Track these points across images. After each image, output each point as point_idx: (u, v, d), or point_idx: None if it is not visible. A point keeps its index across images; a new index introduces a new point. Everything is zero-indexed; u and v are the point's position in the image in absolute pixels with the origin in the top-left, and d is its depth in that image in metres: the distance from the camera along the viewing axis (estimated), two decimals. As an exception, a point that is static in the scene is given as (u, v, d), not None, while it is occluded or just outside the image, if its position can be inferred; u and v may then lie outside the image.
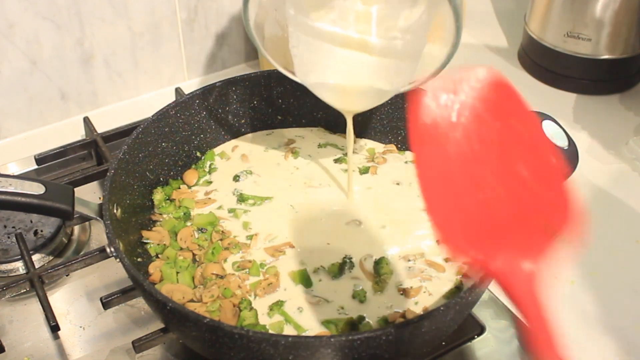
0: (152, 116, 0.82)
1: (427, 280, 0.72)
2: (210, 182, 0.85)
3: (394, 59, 0.71)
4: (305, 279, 0.73)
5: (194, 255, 0.76)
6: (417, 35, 0.69)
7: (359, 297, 0.71)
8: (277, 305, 0.70)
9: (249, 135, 0.92)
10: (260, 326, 0.68)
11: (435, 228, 0.50)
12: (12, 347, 0.74)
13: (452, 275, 0.73)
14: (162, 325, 0.71)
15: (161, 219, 0.80)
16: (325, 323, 0.68)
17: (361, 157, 0.88)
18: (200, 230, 0.79)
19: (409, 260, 0.74)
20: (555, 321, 0.48)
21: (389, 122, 0.90)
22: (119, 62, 1.04)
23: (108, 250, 0.68)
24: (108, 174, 0.74)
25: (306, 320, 0.69)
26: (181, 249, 0.77)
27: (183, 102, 0.85)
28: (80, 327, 0.77)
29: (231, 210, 0.81)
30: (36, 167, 0.95)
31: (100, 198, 0.89)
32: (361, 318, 0.69)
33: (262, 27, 0.73)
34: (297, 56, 0.71)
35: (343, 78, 0.73)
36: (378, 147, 0.90)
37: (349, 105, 0.77)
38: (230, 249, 0.76)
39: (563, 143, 0.77)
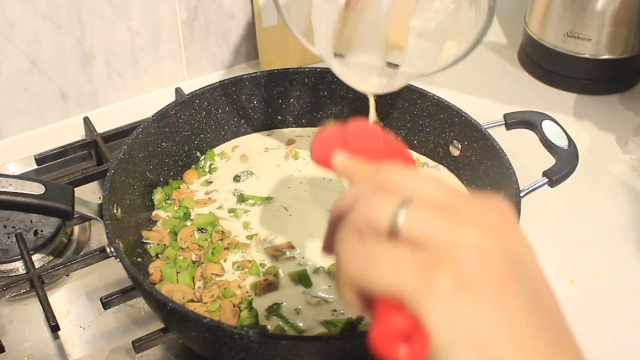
0: (152, 116, 0.82)
1: (427, 280, 0.72)
2: (210, 182, 0.85)
3: (422, 40, 0.70)
4: (305, 279, 0.73)
5: (194, 255, 0.76)
6: (446, 18, 0.69)
7: (359, 297, 0.70)
8: (273, 309, 0.70)
9: (249, 135, 0.92)
10: (260, 326, 0.68)
11: None
12: (12, 347, 0.74)
13: (452, 275, 0.73)
14: (162, 325, 0.71)
15: (161, 219, 0.80)
16: (325, 323, 0.68)
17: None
18: (200, 230, 0.79)
19: (409, 260, 0.74)
20: None
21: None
22: (119, 62, 1.04)
23: (108, 250, 0.68)
24: (108, 174, 0.74)
25: (305, 321, 0.69)
26: (181, 249, 0.77)
27: (183, 102, 0.85)
28: (80, 327, 0.76)
29: (231, 210, 0.81)
30: (36, 167, 0.94)
31: (100, 198, 0.88)
32: (361, 318, 0.69)
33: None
34: (318, 29, 0.71)
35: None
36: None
37: (368, 85, 0.76)
38: (230, 249, 0.76)
39: (563, 143, 0.77)
